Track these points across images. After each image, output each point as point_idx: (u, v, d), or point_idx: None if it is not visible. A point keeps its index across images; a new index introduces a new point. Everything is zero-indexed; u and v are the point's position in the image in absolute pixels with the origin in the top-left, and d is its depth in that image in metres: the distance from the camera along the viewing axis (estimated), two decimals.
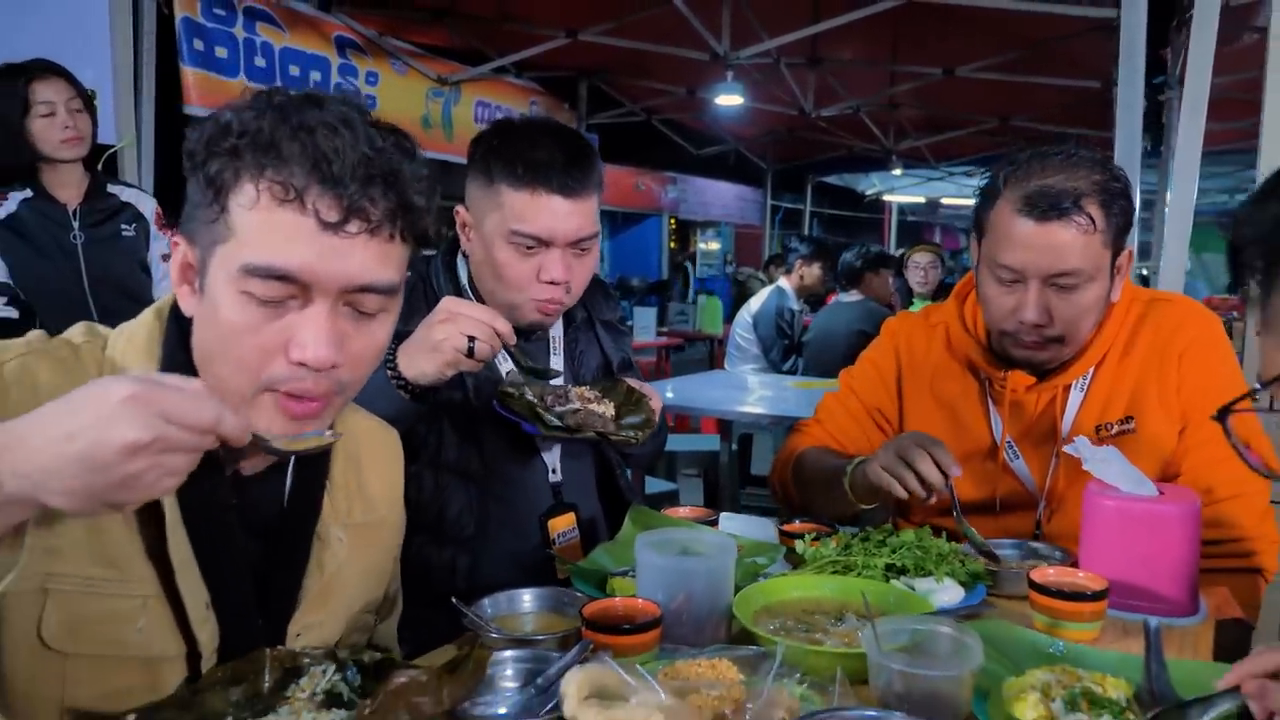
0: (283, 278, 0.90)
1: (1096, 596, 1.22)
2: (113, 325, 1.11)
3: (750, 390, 4.69)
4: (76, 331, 1.02)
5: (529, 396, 1.46)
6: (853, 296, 5.43)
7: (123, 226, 3.01)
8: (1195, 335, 1.67)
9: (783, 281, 6.22)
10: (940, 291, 5.85)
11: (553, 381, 1.57)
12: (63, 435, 0.72)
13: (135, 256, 3.04)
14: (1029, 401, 1.69)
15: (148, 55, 4.12)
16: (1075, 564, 1.39)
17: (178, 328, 1.00)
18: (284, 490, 1.09)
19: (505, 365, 1.61)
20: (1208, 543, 1.58)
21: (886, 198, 15.36)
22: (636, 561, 1.23)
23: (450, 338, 1.31)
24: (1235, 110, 4.95)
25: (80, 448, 0.71)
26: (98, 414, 0.72)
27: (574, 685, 0.94)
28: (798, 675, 1.02)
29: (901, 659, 0.98)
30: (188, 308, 0.97)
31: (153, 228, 3.09)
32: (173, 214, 3.20)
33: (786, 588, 1.30)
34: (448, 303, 1.36)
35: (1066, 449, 1.48)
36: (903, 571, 1.37)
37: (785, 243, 13.22)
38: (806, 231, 12.71)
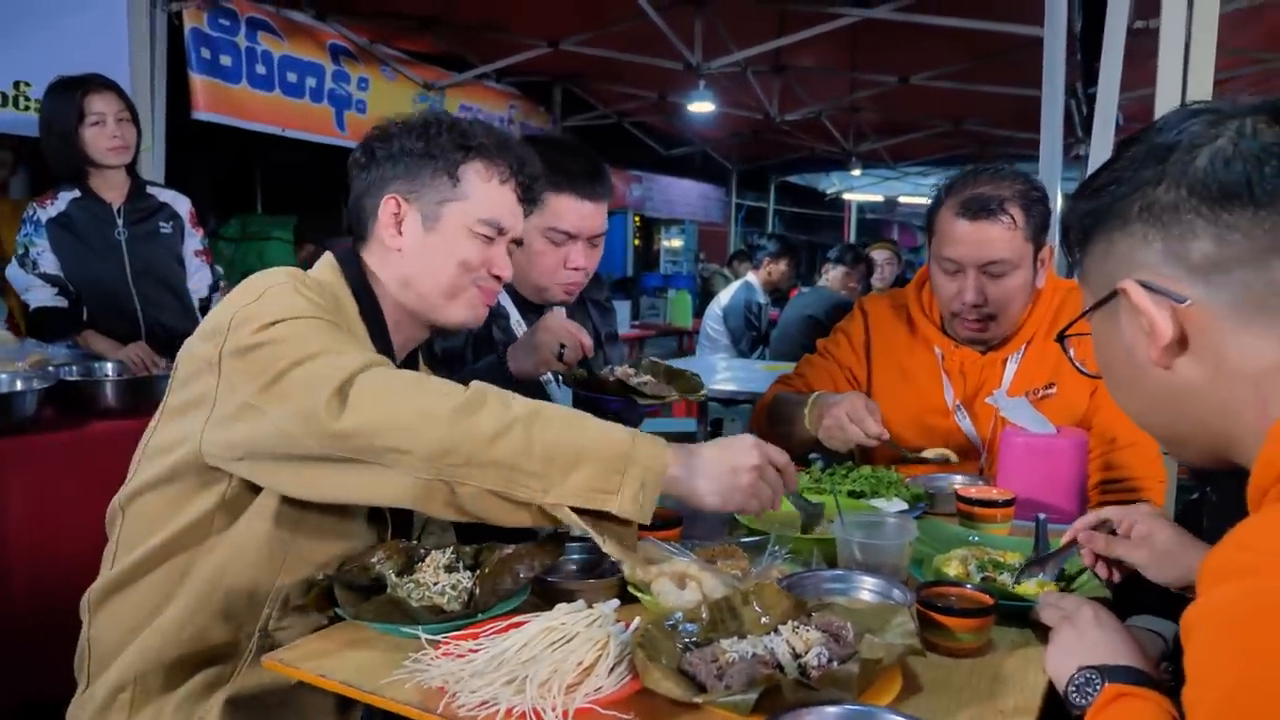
0: (498, 227, 1.47)
1: (1006, 504, 1.63)
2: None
3: (722, 371, 5.06)
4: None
5: (605, 376, 1.78)
6: (817, 285, 5.84)
7: (161, 224, 3.29)
8: None
9: (750, 276, 6.63)
10: (897, 285, 6.31)
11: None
12: (721, 460, 1.25)
13: (172, 251, 3.33)
14: (974, 372, 2.07)
15: (159, 64, 4.36)
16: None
17: (350, 264, 1.47)
18: None
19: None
20: (1107, 482, 1.99)
21: (846, 196, 15.84)
22: None
23: (546, 344, 1.72)
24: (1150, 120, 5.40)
25: (729, 465, 1.25)
26: (741, 450, 1.26)
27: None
28: (786, 551, 1.41)
29: (860, 533, 1.37)
30: (394, 243, 1.45)
31: (187, 225, 3.38)
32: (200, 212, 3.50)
33: None
34: (546, 319, 1.78)
35: (986, 400, 1.89)
36: (862, 495, 1.77)
37: (748, 239, 13.61)
38: (769, 228, 13.14)
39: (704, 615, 1.14)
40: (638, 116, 8.74)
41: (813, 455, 2.56)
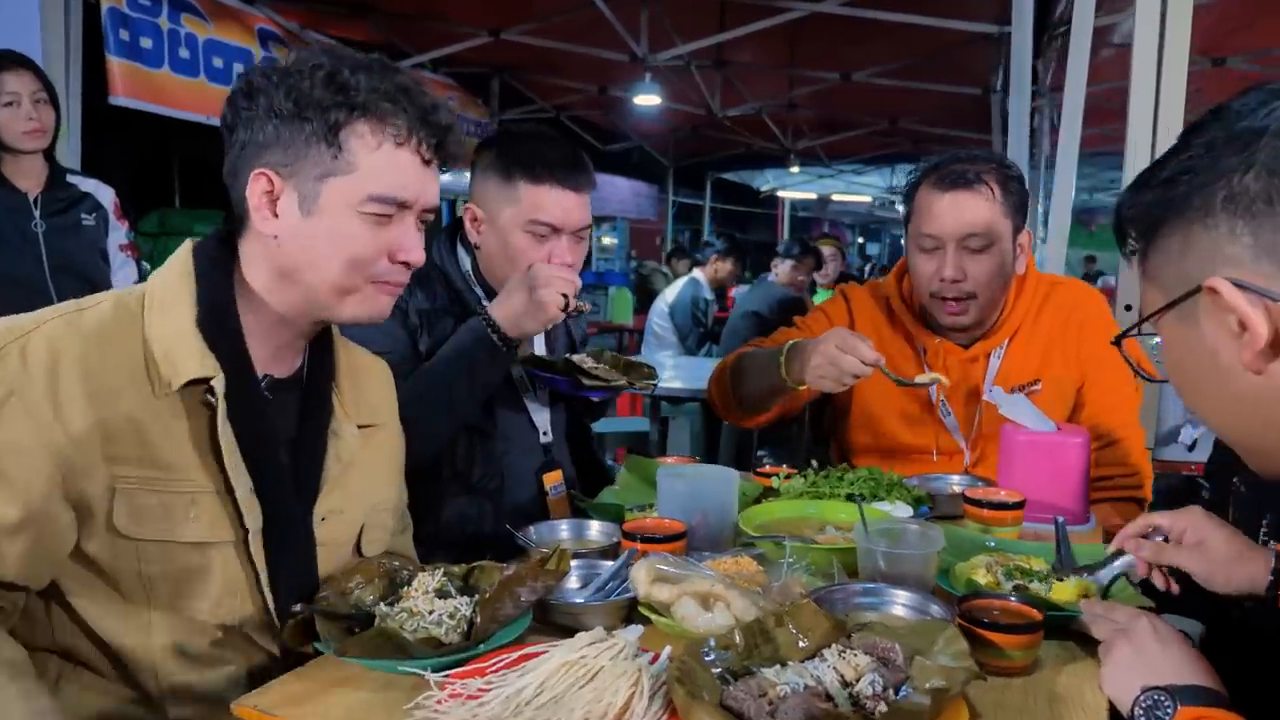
0: (395, 202, 1.17)
1: (1017, 506, 1.56)
2: None
3: (669, 369, 4.95)
4: (105, 299, 1.14)
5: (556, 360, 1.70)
6: (765, 280, 5.80)
7: (82, 216, 3.05)
8: (1090, 311, 2.04)
9: (697, 273, 6.56)
10: (841, 281, 6.31)
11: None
12: None
13: (95, 245, 3.09)
14: (957, 368, 2.01)
15: (74, 45, 4.08)
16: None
17: (207, 257, 1.19)
18: (301, 394, 1.26)
19: None
20: (1105, 477, 1.95)
21: (780, 194, 15.95)
22: (659, 489, 1.50)
23: (553, 299, 1.60)
24: (1096, 117, 5.52)
25: None
26: None
27: (642, 573, 1.20)
28: (805, 563, 1.31)
29: (885, 543, 1.28)
30: (268, 228, 1.16)
31: (111, 217, 3.14)
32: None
33: (776, 510, 1.59)
34: (540, 270, 1.62)
35: (985, 397, 1.83)
36: (861, 498, 1.68)
37: (678, 236, 13.56)
38: (705, 225, 13.15)
39: (738, 641, 1.03)
40: (576, 110, 8.59)
41: (760, 452, 2.47)
